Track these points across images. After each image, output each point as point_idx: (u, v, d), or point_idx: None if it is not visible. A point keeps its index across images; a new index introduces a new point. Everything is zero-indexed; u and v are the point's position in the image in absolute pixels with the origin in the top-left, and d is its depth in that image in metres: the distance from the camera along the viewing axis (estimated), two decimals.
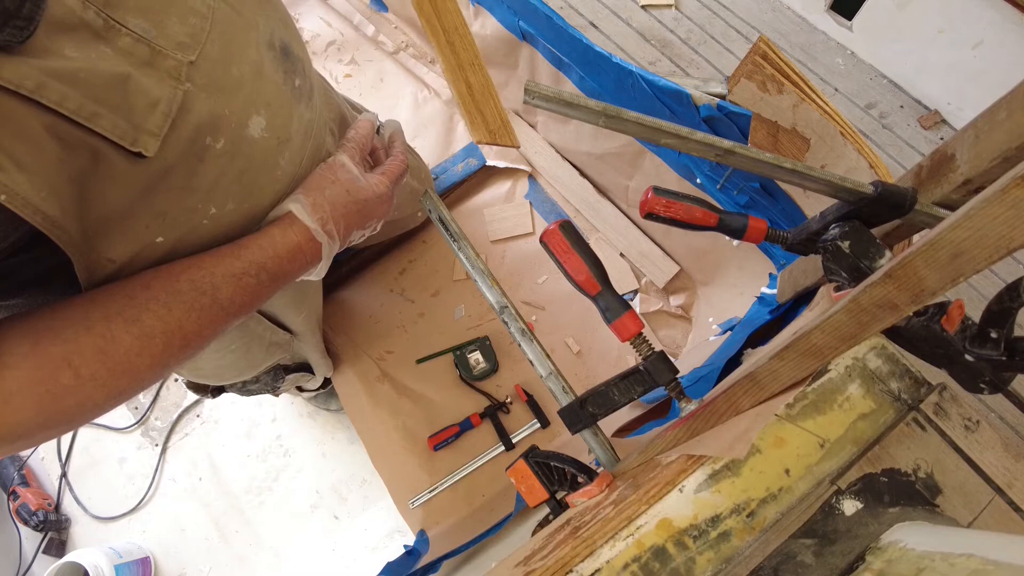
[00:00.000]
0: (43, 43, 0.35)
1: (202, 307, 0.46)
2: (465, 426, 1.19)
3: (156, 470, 1.44)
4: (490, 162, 1.39)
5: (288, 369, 0.99)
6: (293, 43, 0.55)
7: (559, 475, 0.62)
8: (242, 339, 0.76)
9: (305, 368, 1.06)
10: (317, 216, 0.54)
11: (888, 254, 0.54)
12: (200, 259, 0.48)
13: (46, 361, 0.39)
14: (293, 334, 0.87)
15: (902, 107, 1.81)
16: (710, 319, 1.22)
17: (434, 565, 1.12)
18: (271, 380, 0.94)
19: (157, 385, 1.52)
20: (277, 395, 1.11)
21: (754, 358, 0.54)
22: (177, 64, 0.42)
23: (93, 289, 0.44)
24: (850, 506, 0.48)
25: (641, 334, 0.57)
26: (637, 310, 1.23)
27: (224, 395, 0.94)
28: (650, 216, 0.58)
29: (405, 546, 1.05)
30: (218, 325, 0.48)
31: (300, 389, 1.27)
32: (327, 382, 1.27)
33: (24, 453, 1.48)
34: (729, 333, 1.05)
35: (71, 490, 1.45)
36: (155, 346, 0.44)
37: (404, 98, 1.56)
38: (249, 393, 0.95)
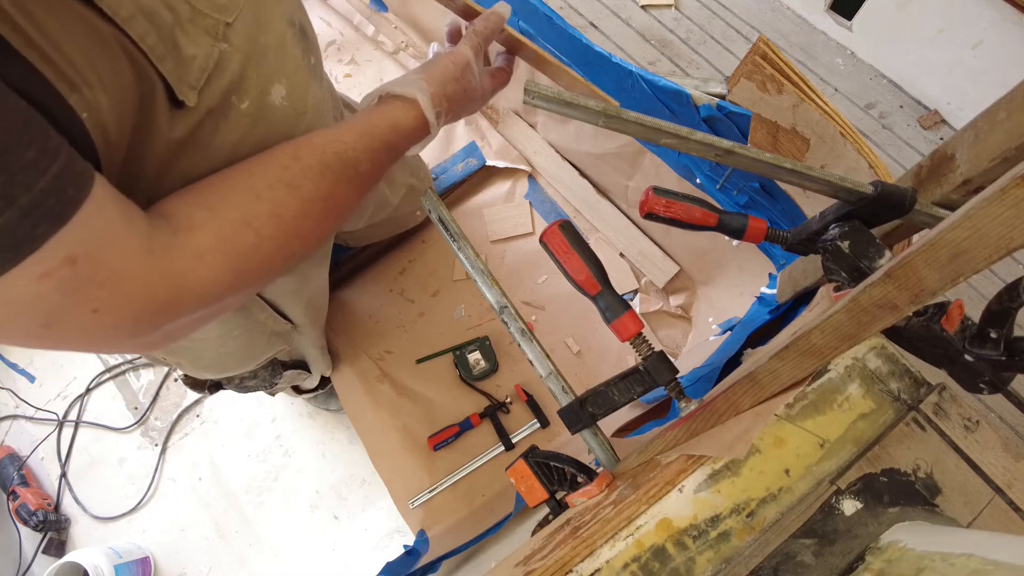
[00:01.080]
0: None
1: (349, 179, 0.50)
2: (465, 426, 1.19)
3: (156, 470, 1.44)
4: (490, 162, 1.39)
5: (285, 365, 0.99)
6: (308, 27, 0.59)
7: (559, 475, 0.62)
8: (245, 326, 0.76)
9: (302, 366, 1.06)
10: (436, 110, 0.56)
11: (888, 254, 0.53)
12: (339, 134, 0.50)
13: (227, 224, 0.42)
14: (294, 325, 0.87)
15: (902, 107, 1.81)
16: (710, 319, 1.22)
17: (434, 565, 1.12)
18: (268, 376, 0.94)
19: (157, 385, 1.52)
20: (273, 394, 1.11)
21: (754, 358, 0.54)
22: (215, 23, 0.43)
23: (243, 161, 0.47)
24: (850, 506, 0.48)
25: (641, 334, 0.57)
26: (637, 310, 1.23)
27: (223, 395, 0.94)
28: (650, 216, 0.58)
29: (405, 546, 1.05)
30: (359, 196, 0.52)
31: (297, 390, 1.27)
32: (324, 382, 1.27)
33: (24, 453, 1.48)
34: (729, 333, 1.05)
35: (71, 490, 1.45)
36: (316, 211, 0.47)
37: None
38: (246, 390, 0.95)
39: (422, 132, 0.56)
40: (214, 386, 0.92)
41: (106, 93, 0.36)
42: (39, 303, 0.33)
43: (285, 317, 0.84)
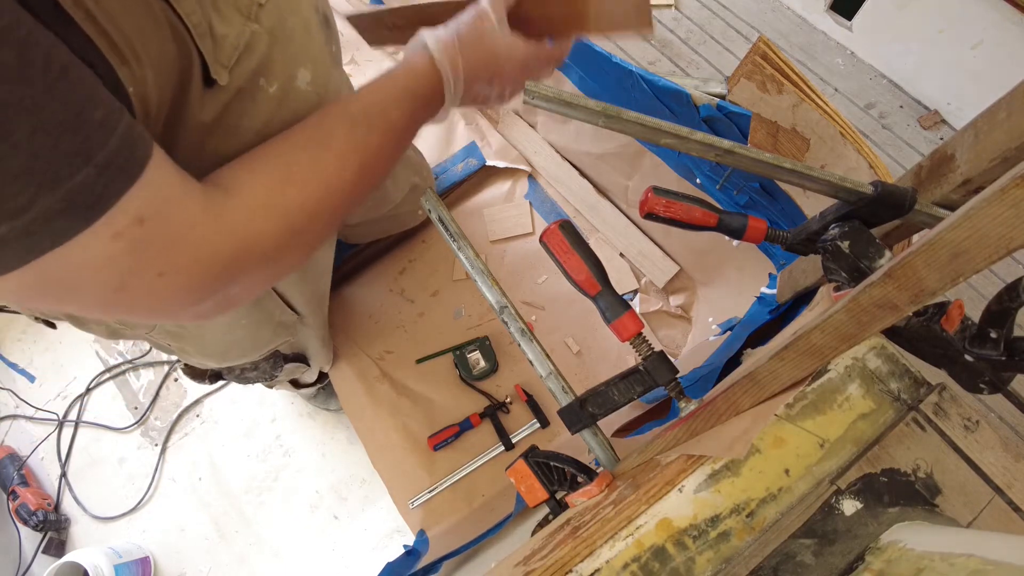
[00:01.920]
0: None
1: (381, 130, 0.50)
2: (465, 426, 1.19)
3: (156, 470, 1.44)
4: (490, 162, 1.39)
5: (287, 358, 0.99)
6: (331, 18, 0.60)
7: (559, 475, 0.62)
8: (253, 315, 0.77)
9: (302, 359, 1.06)
10: (447, 50, 0.53)
11: (888, 254, 0.53)
12: (360, 89, 0.51)
13: (269, 181, 0.43)
14: (300, 316, 0.87)
15: (902, 107, 1.81)
16: (710, 319, 1.22)
17: (435, 566, 1.12)
18: (269, 368, 0.94)
19: (157, 385, 1.52)
20: (272, 386, 1.11)
21: (754, 358, 0.54)
22: (249, 3, 0.44)
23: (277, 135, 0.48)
24: (850, 506, 0.48)
25: (641, 334, 0.57)
26: (637, 310, 1.23)
27: (223, 395, 0.94)
28: (650, 216, 0.58)
29: (405, 546, 1.05)
30: (394, 148, 0.53)
31: (296, 384, 1.27)
32: (322, 377, 1.27)
33: (24, 453, 1.48)
34: (729, 333, 1.05)
35: (71, 490, 1.45)
36: (352, 164, 0.48)
37: None
38: (246, 381, 0.95)
39: (436, 76, 0.54)
40: (214, 376, 0.92)
41: (152, 68, 0.37)
42: (112, 265, 0.34)
43: (291, 308, 0.84)
